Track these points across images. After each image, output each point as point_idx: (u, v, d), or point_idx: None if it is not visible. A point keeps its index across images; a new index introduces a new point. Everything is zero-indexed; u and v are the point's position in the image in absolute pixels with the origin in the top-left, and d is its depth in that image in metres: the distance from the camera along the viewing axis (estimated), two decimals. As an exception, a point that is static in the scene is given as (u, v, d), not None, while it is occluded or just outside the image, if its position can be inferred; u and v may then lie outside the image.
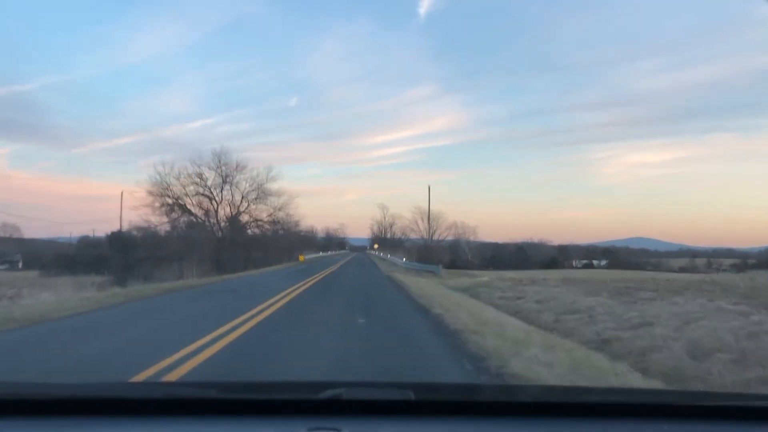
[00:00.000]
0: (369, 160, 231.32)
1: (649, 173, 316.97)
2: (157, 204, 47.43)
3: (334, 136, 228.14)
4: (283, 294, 15.98)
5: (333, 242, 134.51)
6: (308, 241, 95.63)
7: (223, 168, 50.26)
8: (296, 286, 19.51)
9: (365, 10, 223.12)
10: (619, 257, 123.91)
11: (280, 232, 56.67)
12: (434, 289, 19.73)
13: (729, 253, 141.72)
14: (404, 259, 43.64)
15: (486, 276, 25.56)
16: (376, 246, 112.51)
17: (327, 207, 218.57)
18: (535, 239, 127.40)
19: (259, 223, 52.41)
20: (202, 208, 50.00)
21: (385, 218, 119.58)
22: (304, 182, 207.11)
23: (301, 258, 58.96)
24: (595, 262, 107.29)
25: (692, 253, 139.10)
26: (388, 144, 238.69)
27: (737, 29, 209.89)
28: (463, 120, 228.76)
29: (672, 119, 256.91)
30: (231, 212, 51.18)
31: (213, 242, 45.40)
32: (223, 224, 50.56)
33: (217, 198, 50.18)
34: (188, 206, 49.49)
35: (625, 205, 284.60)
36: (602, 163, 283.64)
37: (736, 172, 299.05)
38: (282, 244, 57.57)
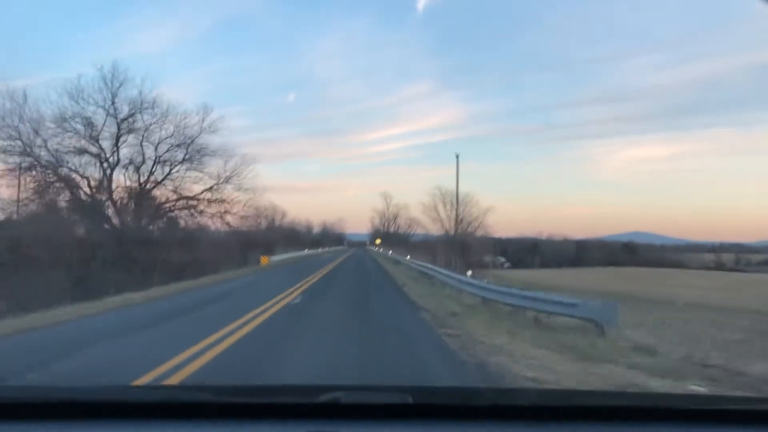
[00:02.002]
0: (368, 156, 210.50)
1: (647, 168, 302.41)
2: (5, 168, 24.59)
3: (333, 133, 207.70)
4: None
5: (329, 237, 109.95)
6: (294, 235, 72.43)
7: (121, 107, 27.15)
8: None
9: (363, 5, 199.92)
10: (639, 254, 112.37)
11: (238, 216, 33.02)
12: None
13: (737, 247, 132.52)
14: (468, 273, 19.58)
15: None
16: (377, 241, 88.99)
17: (326, 203, 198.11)
18: (543, 235, 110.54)
19: (191, 202, 28.92)
20: (84, 176, 26.65)
21: (388, 209, 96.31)
22: (303, 179, 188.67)
23: (264, 261, 34.93)
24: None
25: (698, 248, 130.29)
26: (387, 140, 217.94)
27: (735, 25, 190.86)
28: (462, 115, 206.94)
29: (671, 115, 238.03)
30: (140, 183, 27.79)
31: (72, 239, 22.12)
32: (124, 203, 27.20)
33: (110, 159, 26.86)
34: (61, 173, 26.05)
35: (624, 200, 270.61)
36: (601, 159, 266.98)
37: (734, 167, 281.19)
38: (239, 240, 33.95)
